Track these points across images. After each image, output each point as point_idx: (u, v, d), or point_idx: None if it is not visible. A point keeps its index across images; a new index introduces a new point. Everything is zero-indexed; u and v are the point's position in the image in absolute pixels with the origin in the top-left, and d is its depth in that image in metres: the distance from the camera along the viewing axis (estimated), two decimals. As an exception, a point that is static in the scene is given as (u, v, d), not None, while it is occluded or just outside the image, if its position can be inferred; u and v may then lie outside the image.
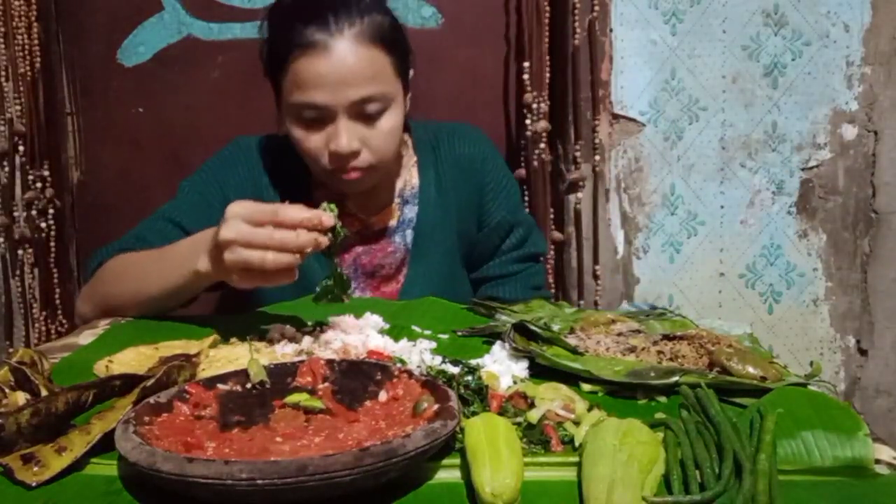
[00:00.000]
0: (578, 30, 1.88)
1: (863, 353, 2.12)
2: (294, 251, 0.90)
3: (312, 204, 1.21)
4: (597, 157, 1.96)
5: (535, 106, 1.90)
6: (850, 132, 2.03)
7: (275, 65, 1.20)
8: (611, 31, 1.94)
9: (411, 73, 1.27)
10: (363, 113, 1.17)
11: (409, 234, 1.36)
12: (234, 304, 1.49)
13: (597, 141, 1.96)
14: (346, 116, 1.16)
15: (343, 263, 1.26)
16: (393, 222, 1.35)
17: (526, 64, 1.90)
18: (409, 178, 1.37)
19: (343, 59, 1.13)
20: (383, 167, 1.25)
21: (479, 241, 1.40)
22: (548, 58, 1.90)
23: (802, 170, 2.04)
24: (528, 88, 1.90)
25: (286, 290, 1.15)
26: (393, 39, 1.20)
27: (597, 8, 1.91)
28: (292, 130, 1.20)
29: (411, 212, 1.36)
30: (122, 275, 1.17)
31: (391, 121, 1.20)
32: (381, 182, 1.30)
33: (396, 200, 1.36)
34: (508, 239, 1.41)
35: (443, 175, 1.37)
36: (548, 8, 1.88)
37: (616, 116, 1.97)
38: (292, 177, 1.32)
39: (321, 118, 1.17)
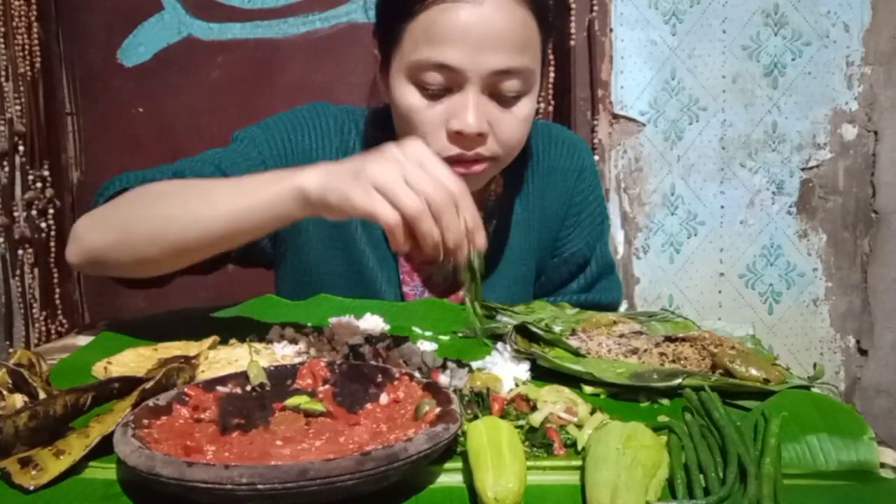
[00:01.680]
0: (574, 30, 1.88)
1: (863, 353, 2.12)
2: (439, 228, 0.72)
3: None
4: (596, 157, 1.96)
5: (538, 106, 1.90)
6: (850, 132, 2.02)
7: (399, 8, 0.96)
8: (611, 30, 1.93)
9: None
10: (498, 90, 0.95)
11: None
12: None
13: (596, 141, 1.95)
14: (478, 88, 0.94)
15: (409, 283, 1.13)
16: None
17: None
18: (496, 186, 1.15)
19: (493, 14, 0.91)
20: (502, 165, 1.03)
21: (547, 271, 1.20)
22: (551, 58, 1.90)
23: (802, 170, 2.03)
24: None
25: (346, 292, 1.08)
26: (547, 8, 0.98)
27: (596, 8, 1.90)
28: (404, 98, 0.97)
29: (490, 227, 1.15)
30: (166, 194, 0.91)
31: (528, 108, 0.98)
32: None
33: (480, 213, 1.18)
34: (577, 279, 1.20)
35: (531, 187, 1.16)
36: (548, 8, 1.88)
37: (616, 116, 1.97)
38: None
39: (447, 86, 0.95)
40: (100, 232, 0.94)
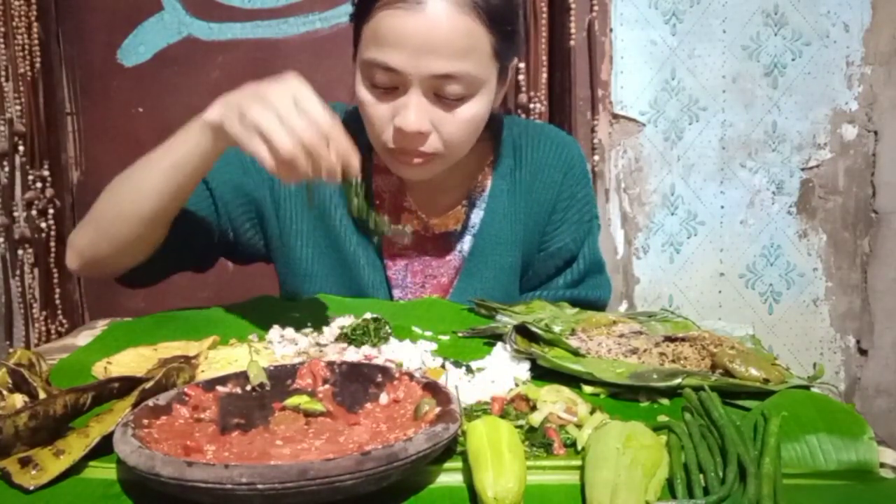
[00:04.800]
0: (574, 30, 1.88)
1: (863, 353, 2.12)
2: (312, 164, 0.83)
3: (371, 190, 1.16)
4: (596, 157, 1.96)
5: (531, 106, 1.90)
6: (850, 132, 2.02)
7: (360, 8, 1.03)
8: (611, 30, 1.93)
9: (515, 61, 1.11)
10: (441, 93, 1.00)
11: (469, 241, 1.20)
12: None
13: (596, 141, 1.95)
14: (419, 90, 0.99)
15: (392, 268, 1.18)
16: (456, 227, 1.19)
17: (521, 65, 1.89)
18: (483, 178, 1.20)
19: (434, 22, 0.96)
20: (451, 159, 1.08)
21: (534, 264, 1.23)
22: (545, 58, 1.90)
23: (802, 170, 2.03)
24: (524, 89, 1.90)
25: (332, 289, 1.14)
26: (501, 16, 1.01)
27: (596, 8, 1.90)
28: (360, 91, 1.04)
29: (477, 217, 1.19)
30: (120, 179, 1.02)
31: (472, 110, 1.03)
32: (450, 179, 1.15)
33: (463, 203, 1.20)
34: (565, 273, 1.22)
35: (518, 182, 1.19)
36: (545, 9, 1.88)
37: (616, 116, 1.97)
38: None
39: (393, 85, 1.00)
40: (83, 231, 1.06)
